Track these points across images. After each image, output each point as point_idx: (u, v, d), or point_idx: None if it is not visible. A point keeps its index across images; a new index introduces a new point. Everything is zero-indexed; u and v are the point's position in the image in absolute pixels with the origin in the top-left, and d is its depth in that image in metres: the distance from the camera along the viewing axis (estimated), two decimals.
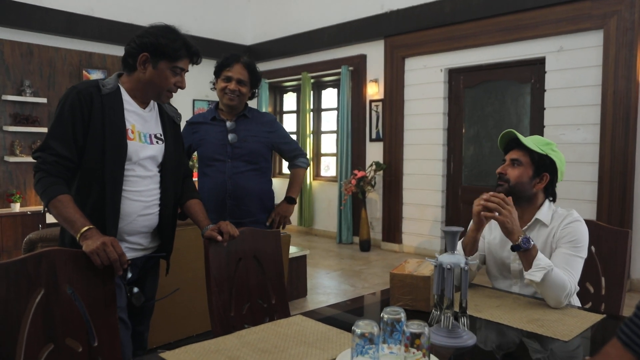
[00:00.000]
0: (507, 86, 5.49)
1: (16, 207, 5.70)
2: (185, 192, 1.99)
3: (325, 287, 4.88)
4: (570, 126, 4.92)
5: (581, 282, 2.07)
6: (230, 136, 2.48)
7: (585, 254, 1.78)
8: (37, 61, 6.08)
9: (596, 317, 1.58)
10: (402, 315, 1.20)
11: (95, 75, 6.56)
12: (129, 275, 1.67)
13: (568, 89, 4.92)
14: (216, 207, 2.49)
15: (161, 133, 1.87)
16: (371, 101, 6.66)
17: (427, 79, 6.05)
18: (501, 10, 5.26)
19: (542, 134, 5.11)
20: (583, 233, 1.80)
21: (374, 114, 6.65)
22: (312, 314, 1.63)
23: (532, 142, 1.87)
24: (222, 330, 1.72)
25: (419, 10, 5.98)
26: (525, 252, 1.68)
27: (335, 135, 7.36)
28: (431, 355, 1.16)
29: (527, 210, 1.87)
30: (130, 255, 1.74)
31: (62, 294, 1.45)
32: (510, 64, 5.40)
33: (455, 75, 5.89)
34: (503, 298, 1.77)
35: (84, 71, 6.44)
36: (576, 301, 1.85)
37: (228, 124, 2.51)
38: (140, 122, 1.80)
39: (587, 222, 2.08)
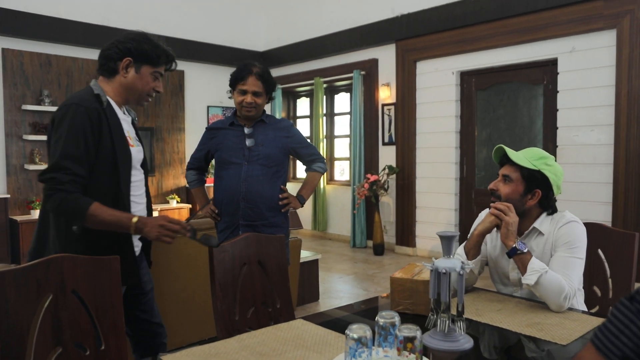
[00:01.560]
0: (519, 88, 5.46)
1: (35, 214, 5.83)
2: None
3: (338, 291, 4.90)
4: (583, 127, 4.87)
5: (588, 286, 2.07)
6: (247, 141, 2.55)
7: (582, 254, 1.76)
8: (55, 71, 6.23)
9: (597, 321, 1.57)
10: (397, 319, 1.21)
11: None
12: (191, 234, 1.76)
13: (581, 90, 4.87)
14: (229, 209, 2.56)
15: (137, 135, 1.94)
16: (383, 105, 6.67)
17: (438, 82, 6.04)
18: (512, 12, 5.24)
19: (555, 136, 5.07)
20: (577, 233, 1.78)
21: (386, 117, 6.65)
22: (314, 318, 1.65)
23: (523, 156, 1.84)
24: (227, 335, 1.75)
25: (429, 13, 5.98)
26: (521, 257, 1.69)
27: (348, 139, 7.38)
28: (424, 359, 1.17)
29: (522, 224, 1.84)
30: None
31: (70, 299, 1.50)
32: (522, 66, 5.36)
33: (467, 78, 5.87)
34: (505, 302, 1.77)
35: None
36: (582, 306, 1.84)
37: (246, 129, 2.58)
38: (128, 127, 1.88)
39: (593, 225, 2.08)
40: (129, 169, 1.79)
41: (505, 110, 5.60)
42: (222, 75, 7.92)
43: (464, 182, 5.97)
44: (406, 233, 6.44)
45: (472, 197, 5.91)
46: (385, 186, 6.42)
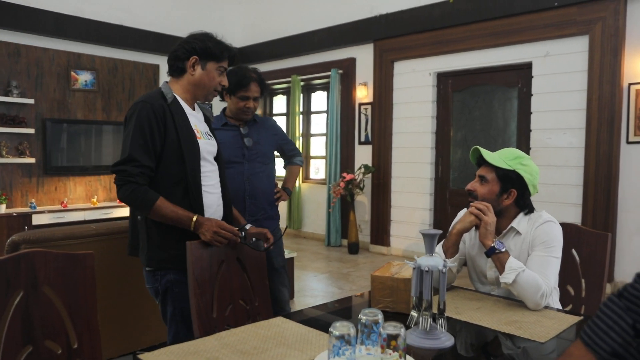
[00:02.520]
0: (495, 90, 5.54)
1: (2, 209, 5.65)
2: None
3: (313, 289, 4.89)
4: (556, 130, 4.97)
5: (562, 285, 2.10)
6: (246, 140, 2.65)
7: (558, 254, 1.79)
8: (25, 62, 6.04)
9: (573, 319, 1.60)
10: (380, 317, 1.21)
11: (84, 76, 6.53)
12: (242, 234, 1.89)
13: (554, 94, 4.97)
14: (237, 207, 2.59)
15: (209, 131, 2.06)
16: (360, 104, 6.69)
17: (415, 82, 6.08)
18: (489, 15, 5.31)
19: (528, 138, 5.16)
20: (554, 233, 1.80)
21: (363, 117, 6.67)
22: (294, 316, 1.64)
23: (498, 157, 1.86)
24: (204, 332, 1.72)
25: (408, 14, 6.02)
26: (499, 256, 1.71)
27: (324, 138, 7.37)
28: (407, 357, 1.17)
29: (499, 223, 1.86)
30: None
31: (42, 296, 1.45)
32: (497, 69, 5.45)
33: (443, 79, 5.93)
34: (483, 300, 1.79)
35: (72, 72, 6.41)
36: (557, 304, 1.87)
37: (242, 129, 2.67)
38: (197, 122, 1.99)
39: (568, 225, 2.12)
40: (197, 160, 1.89)
41: (480, 112, 5.68)
42: None
43: (439, 182, 6.03)
44: (381, 232, 6.47)
45: (446, 197, 5.97)
46: (361, 185, 6.43)
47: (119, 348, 2.95)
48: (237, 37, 8.24)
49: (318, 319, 1.69)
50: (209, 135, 2.04)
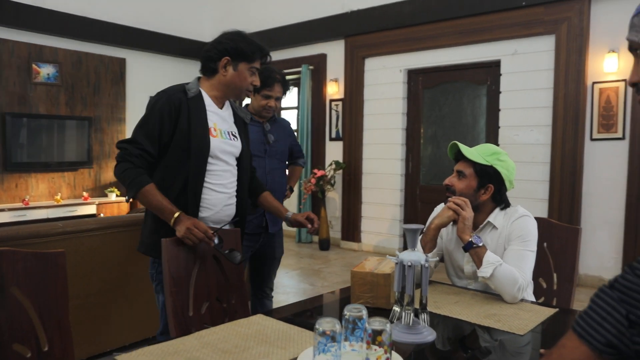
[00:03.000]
0: (464, 87, 5.62)
1: None
2: (256, 187, 2.25)
3: (285, 286, 4.86)
4: (524, 127, 5.08)
5: (534, 278, 2.14)
6: (269, 136, 2.75)
7: (534, 247, 1.82)
8: None
9: (549, 311, 1.63)
10: (364, 313, 1.20)
11: (46, 69, 6.32)
12: (216, 241, 1.82)
13: (522, 91, 5.08)
14: None
15: (236, 131, 2.05)
16: (331, 100, 6.68)
17: (386, 79, 6.12)
18: (459, 13, 5.38)
19: (497, 135, 5.26)
20: (529, 227, 1.84)
21: (333, 113, 6.67)
22: (273, 313, 1.62)
23: (476, 152, 1.88)
24: (180, 331, 1.68)
25: (379, 11, 6.04)
26: (476, 250, 1.73)
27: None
28: (393, 352, 1.16)
29: (476, 218, 1.88)
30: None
31: (9, 297, 1.38)
32: (467, 66, 5.53)
33: (414, 76, 5.98)
34: (461, 294, 1.81)
35: (33, 65, 6.18)
36: (531, 297, 1.91)
37: (265, 125, 2.75)
38: (220, 120, 1.98)
39: (540, 219, 2.15)
40: (204, 156, 1.88)
41: (450, 108, 5.75)
42: (166, 65, 7.67)
43: (409, 179, 6.08)
44: (352, 228, 6.49)
45: (417, 194, 6.03)
46: (332, 181, 6.44)
47: (91, 349, 2.87)
48: (206, 31, 8.10)
49: (298, 316, 1.67)
50: (233, 136, 2.02)
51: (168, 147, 1.86)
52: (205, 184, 1.90)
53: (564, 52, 4.80)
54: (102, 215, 6.56)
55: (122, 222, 2.95)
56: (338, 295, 1.94)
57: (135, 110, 7.35)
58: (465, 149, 1.86)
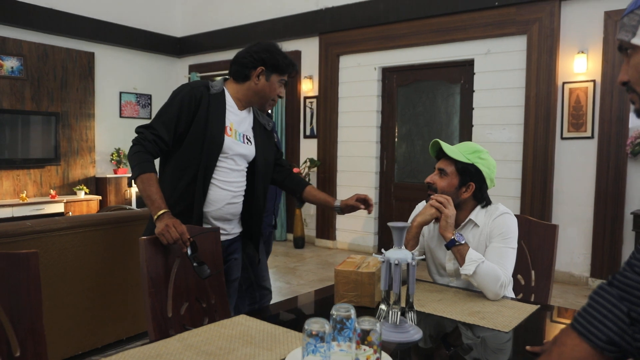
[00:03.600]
0: (438, 86, 5.67)
1: None
2: (297, 184, 2.27)
3: None
4: (496, 126, 5.15)
5: (513, 275, 2.16)
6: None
7: (515, 245, 1.84)
8: None
9: (531, 308, 1.64)
10: (352, 312, 1.18)
11: (10, 62, 6.10)
12: (189, 251, 1.75)
13: (495, 90, 5.15)
14: None
15: (251, 136, 2.07)
16: (305, 98, 6.65)
17: (361, 76, 6.12)
18: (433, 12, 5.42)
19: (470, 133, 5.32)
20: (510, 225, 1.85)
21: (308, 110, 6.64)
22: (256, 313, 1.58)
23: (458, 150, 1.88)
24: (159, 334, 1.63)
25: (354, 8, 6.03)
26: (459, 248, 1.73)
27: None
28: (382, 352, 1.15)
29: (457, 216, 1.87)
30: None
31: None
32: (441, 65, 5.57)
33: (388, 74, 6.00)
34: (444, 292, 1.81)
35: None
36: (511, 293, 1.92)
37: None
38: (237, 122, 2.01)
39: (518, 217, 2.17)
40: (216, 153, 1.91)
41: (424, 107, 5.80)
42: (136, 60, 7.50)
43: (384, 176, 6.10)
44: (326, 226, 6.48)
45: (391, 191, 6.05)
46: (307, 179, 6.41)
47: (65, 351, 2.78)
48: (177, 26, 7.97)
49: (283, 316, 1.65)
50: (247, 139, 2.04)
51: (184, 139, 1.90)
52: (211, 180, 1.94)
53: (535, 52, 4.89)
54: (70, 213, 6.38)
55: (95, 221, 2.86)
56: (322, 294, 1.91)
57: (105, 106, 7.17)
58: (446, 147, 1.86)
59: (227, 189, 1.98)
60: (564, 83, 4.81)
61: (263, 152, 2.10)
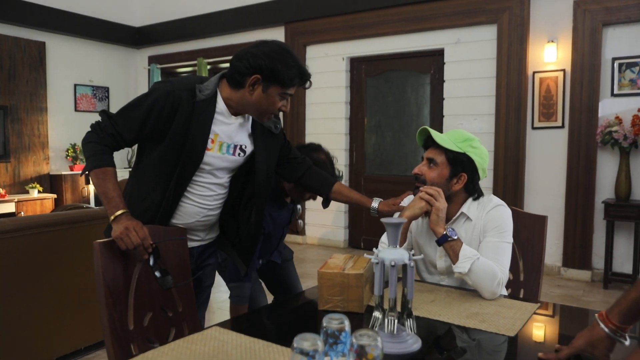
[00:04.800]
0: (408, 76, 5.56)
1: None
2: (322, 182, 1.98)
3: None
4: (467, 116, 5.08)
5: None
6: None
7: (510, 239, 1.71)
8: None
9: (532, 307, 1.52)
10: (347, 324, 1.01)
11: None
12: (151, 261, 1.56)
13: (465, 80, 5.07)
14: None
15: (246, 145, 1.76)
16: None
17: (328, 67, 5.95)
18: (402, 0, 5.29)
19: (441, 124, 5.23)
20: (505, 218, 1.73)
21: None
22: (229, 324, 1.40)
23: (448, 138, 1.73)
24: (119, 349, 1.43)
25: None
26: (452, 244, 1.59)
27: None
28: None
29: (448, 209, 1.72)
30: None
31: None
32: (410, 55, 5.46)
33: (357, 64, 5.85)
34: (435, 292, 1.66)
35: None
36: (504, 290, 1.80)
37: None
38: (227, 132, 1.70)
39: None
40: (192, 169, 1.66)
41: (394, 97, 5.68)
42: (92, 51, 7.10)
43: (354, 169, 5.97)
44: (296, 220, 6.30)
45: (362, 184, 5.92)
46: None
47: None
48: (136, 15, 7.60)
49: (261, 326, 1.47)
50: (240, 150, 1.74)
51: (157, 144, 1.64)
52: (185, 194, 1.71)
53: (505, 42, 4.83)
54: (22, 213, 5.99)
55: (46, 222, 2.60)
56: (303, 299, 1.74)
57: (58, 99, 6.77)
58: (436, 135, 1.71)
59: (201, 204, 1.74)
60: (534, 72, 4.76)
61: (266, 160, 1.81)
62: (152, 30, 7.45)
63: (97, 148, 1.59)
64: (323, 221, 6.11)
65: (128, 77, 7.58)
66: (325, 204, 2.07)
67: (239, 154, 1.74)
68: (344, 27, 5.74)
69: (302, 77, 1.66)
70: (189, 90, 1.62)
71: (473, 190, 1.75)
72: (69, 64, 6.88)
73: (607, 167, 4.54)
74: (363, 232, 5.90)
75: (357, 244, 5.96)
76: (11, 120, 6.23)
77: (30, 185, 6.35)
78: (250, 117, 1.77)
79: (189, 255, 1.77)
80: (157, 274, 1.56)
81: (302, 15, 6.02)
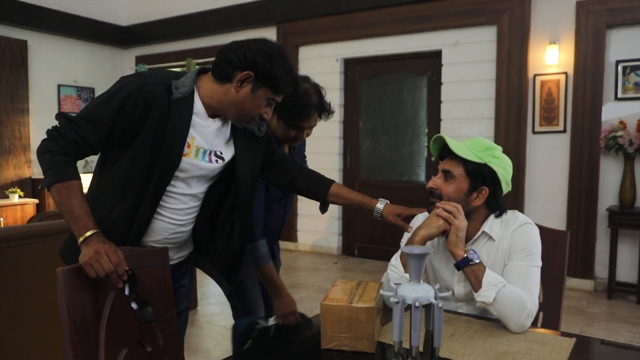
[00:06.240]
0: (404, 78, 5.37)
1: None
2: (317, 184, 1.80)
3: (218, 295, 4.38)
4: (466, 119, 4.90)
5: None
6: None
7: (539, 262, 1.52)
8: None
9: (568, 343, 1.32)
10: None
11: None
12: (126, 291, 1.34)
13: (464, 83, 4.90)
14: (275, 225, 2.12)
15: (222, 151, 1.58)
16: None
17: (322, 68, 5.74)
18: (399, 0, 5.11)
19: (439, 127, 5.06)
20: (533, 238, 1.54)
21: None
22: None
23: (467, 148, 1.53)
24: None
25: None
26: (473, 268, 1.39)
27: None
28: None
29: (469, 227, 1.52)
30: None
31: None
32: (407, 56, 5.28)
33: (351, 66, 5.66)
34: (453, 323, 1.46)
35: None
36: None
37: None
38: (204, 136, 1.52)
39: None
40: (169, 178, 1.47)
41: (389, 100, 5.49)
42: (76, 50, 6.84)
43: (348, 174, 5.77)
44: (287, 227, 6.09)
45: (356, 189, 5.69)
46: None
47: None
48: (123, 14, 7.35)
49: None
50: (217, 157, 1.55)
51: (126, 147, 1.43)
52: (157, 208, 1.51)
53: (505, 43, 4.66)
54: (1, 219, 5.72)
55: (12, 235, 2.36)
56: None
57: (40, 100, 6.50)
58: (453, 144, 1.50)
59: (173, 218, 1.54)
60: (535, 75, 4.60)
61: (250, 166, 1.62)
62: (139, 29, 7.21)
63: (57, 159, 1.36)
64: (316, 227, 5.90)
65: (114, 77, 7.29)
66: (324, 209, 1.86)
67: (215, 161, 1.55)
68: (338, 27, 5.55)
69: (295, 88, 1.54)
70: (164, 85, 1.42)
71: (495, 206, 1.55)
72: (52, 63, 6.62)
73: (610, 173, 4.39)
74: (357, 239, 5.70)
75: (351, 252, 5.76)
76: None
77: (10, 190, 6.05)
78: (229, 121, 1.59)
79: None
80: (134, 305, 1.34)
81: (294, 14, 5.82)
